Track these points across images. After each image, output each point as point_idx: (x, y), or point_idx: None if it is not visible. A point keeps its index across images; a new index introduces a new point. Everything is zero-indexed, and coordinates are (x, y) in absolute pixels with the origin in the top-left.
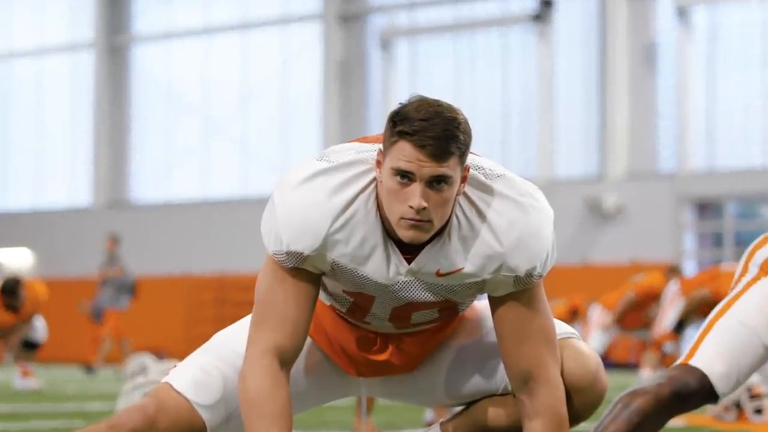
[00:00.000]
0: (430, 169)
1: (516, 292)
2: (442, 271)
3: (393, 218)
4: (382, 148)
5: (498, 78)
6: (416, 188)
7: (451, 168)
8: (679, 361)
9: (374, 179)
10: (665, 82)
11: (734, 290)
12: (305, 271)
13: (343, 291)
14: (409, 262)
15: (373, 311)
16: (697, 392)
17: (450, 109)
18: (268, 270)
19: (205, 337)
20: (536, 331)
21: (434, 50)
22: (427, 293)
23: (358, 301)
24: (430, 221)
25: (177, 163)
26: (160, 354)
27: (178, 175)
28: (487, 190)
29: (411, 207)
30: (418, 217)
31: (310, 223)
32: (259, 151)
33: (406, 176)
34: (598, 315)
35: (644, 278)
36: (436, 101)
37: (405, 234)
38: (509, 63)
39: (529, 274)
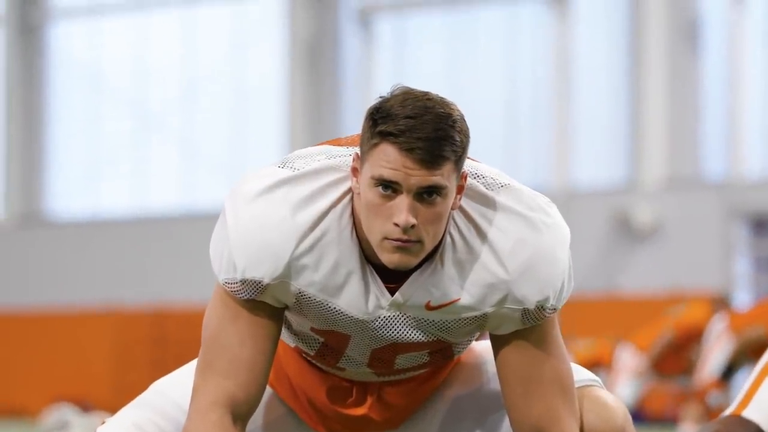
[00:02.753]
0: (419, 178)
1: (524, 330)
2: (433, 304)
3: (374, 238)
4: (359, 152)
5: (503, 64)
6: (402, 201)
7: (444, 176)
8: (728, 412)
9: (349, 190)
10: (712, 68)
11: None
12: (264, 305)
13: (311, 329)
14: (392, 292)
15: (348, 354)
16: None
17: (442, 103)
18: (219, 303)
19: (139, 385)
20: (549, 378)
21: (424, 29)
22: (414, 332)
23: (330, 342)
24: (419, 242)
25: (105, 168)
26: (85, 405)
27: (106, 183)
28: (489, 203)
29: (396, 225)
30: (405, 237)
31: (270, 245)
32: (208, 154)
33: (389, 187)
34: (628, 358)
35: (685, 312)
36: (425, 94)
37: (389, 258)
38: (517, 45)
39: (541, 307)
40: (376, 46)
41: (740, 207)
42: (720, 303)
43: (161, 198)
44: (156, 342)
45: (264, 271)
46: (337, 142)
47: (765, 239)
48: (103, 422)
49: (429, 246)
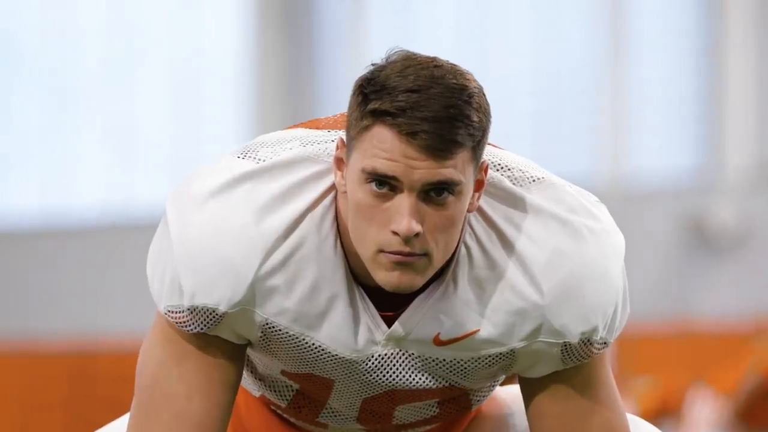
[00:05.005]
0: (425, 171)
1: (564, 372)
2: (443, 337)
3: (365, 251)
4: (344, 137)
5: (534, 22)
6: (403, 202)
7: (458, 168)
8: None
9: (332, 188)
10: None
11: None
12: (220, 341)
13: (283, 373)
14: (389, 322)
15: (331, 406)
16: None
17: (455, 71)
18: (159, 339)
19: None
20: None
21: None
22: (419, 375)
23: (307, 390)
24: (426, 255)
25: (9, 161)
26: None
27: (10, 180)
28: (517, 203)
29: (395, 233)
30: (407, 250)
31: (228, 260)
32: (145, 143)
33: (385, 183)
34: (705, 404)
35: None
36: (432, 60)
37: (385, 277)
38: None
39: (587, 341)
40: (367, 2)
41: None
42: None
43: (83, 201)
44: (75, 386)
45: (220, 295)
46: (314, 124)
47: None
48: None
49: (439, 261)
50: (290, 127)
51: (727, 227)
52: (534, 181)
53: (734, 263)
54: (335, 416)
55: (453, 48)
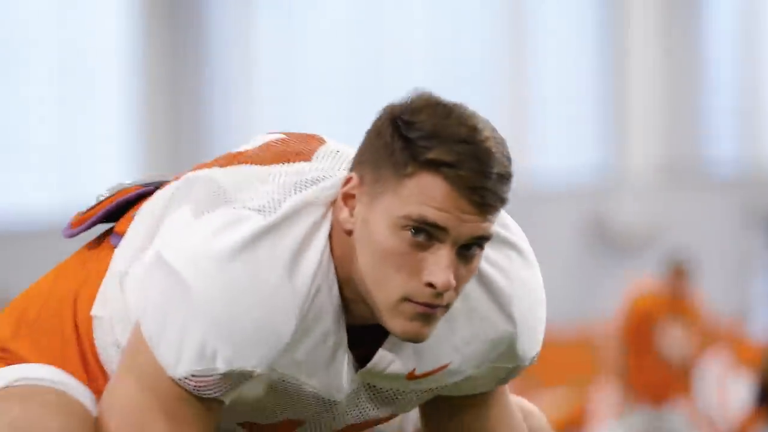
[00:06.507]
0: (473, 225)
1: (489, 393)
2: (418, 372)
3: (385, 298)
4: (356, 175)
5: (435, 21)
6: (445, 255)
7: (493, 223)
8: None
9: (329, 229)
10: (721, 22)
11: None
12: (217, 404)
13: (242, 425)
14: (358, 357)
15: None
16: None
17: (487, 121)
18: (142, 395)
19: None
20: None
21: None
22: (378, 408)
23: None
24: (447, 307)
25: None
26: None
27: None
28: None
29: (430, 284)
30: (437, 302)
31: (268, 323)
32: (28, 148)
33: (427, 232)
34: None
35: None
36: (463, 107)
37: (403, 326)
38: None
39: (530, 363)
40: (258, 5)
41: (758, 205)
42: (677, 274)
43: None
44: None
45: (260, 357)
46: (236, 159)
47: None
48: None
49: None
50: (215, 165)
51: (630, 225)
52: None
53: (637, 263)
54: None
55: (346, 52)
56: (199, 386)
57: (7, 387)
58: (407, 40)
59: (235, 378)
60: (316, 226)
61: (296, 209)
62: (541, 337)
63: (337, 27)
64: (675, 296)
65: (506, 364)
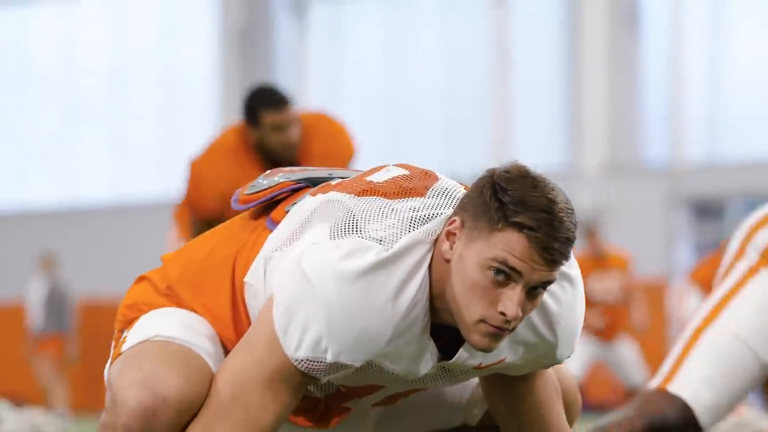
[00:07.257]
0: (541, 273)
1: (534, 373)
2: (484, 364)
3: (467, 317)
4: (458, 219)
5: (440, 52)
6: (516, 293)
7: (557, 272)
8: (653, 385)
9: (431, 259)
10: (653, 51)
11: (727, 281)
12: (314, 380)
13: (340, 386)
14: (441, 349)
15: (365, 399)
16: (677, 426)
17: (563, 193)
18: (257, 361)
19: (70, 379)
20: (558, 412)
21: (360, 16)
22: (444, 382)
23: (350, 391)
24: (512, 330)
25: (33, 160)
26: (18, 400)
27: (33, 176)
28: None
29: (503, 314)
30: (504, 326)
31: (371, 332)
32: (138, 144)
33: (504, 273)
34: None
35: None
36: (546, 180)
37: (479, 340)
38: (455, 32)
39: (564, 360)
40: (311, 34)
41: (681, 193)
42: (590, 236)
43: (91, 190)
44: (87, 337)
45: (357, 356)
46: (373, 191)
47: (706, 225)
48: (124, 339)
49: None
50: (354, 190)
51: (585, 208)
52: None
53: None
54: (361, 403)
55: (377, 73)
56: (310, 368)
57: (147, 341)
58: (420, 73)
59: (338, 367)
60: (420, 262)
61: (408, 247)
62: (576, 343)
63: (372, 51)
64: (594, 254)
65: (547, 362)
